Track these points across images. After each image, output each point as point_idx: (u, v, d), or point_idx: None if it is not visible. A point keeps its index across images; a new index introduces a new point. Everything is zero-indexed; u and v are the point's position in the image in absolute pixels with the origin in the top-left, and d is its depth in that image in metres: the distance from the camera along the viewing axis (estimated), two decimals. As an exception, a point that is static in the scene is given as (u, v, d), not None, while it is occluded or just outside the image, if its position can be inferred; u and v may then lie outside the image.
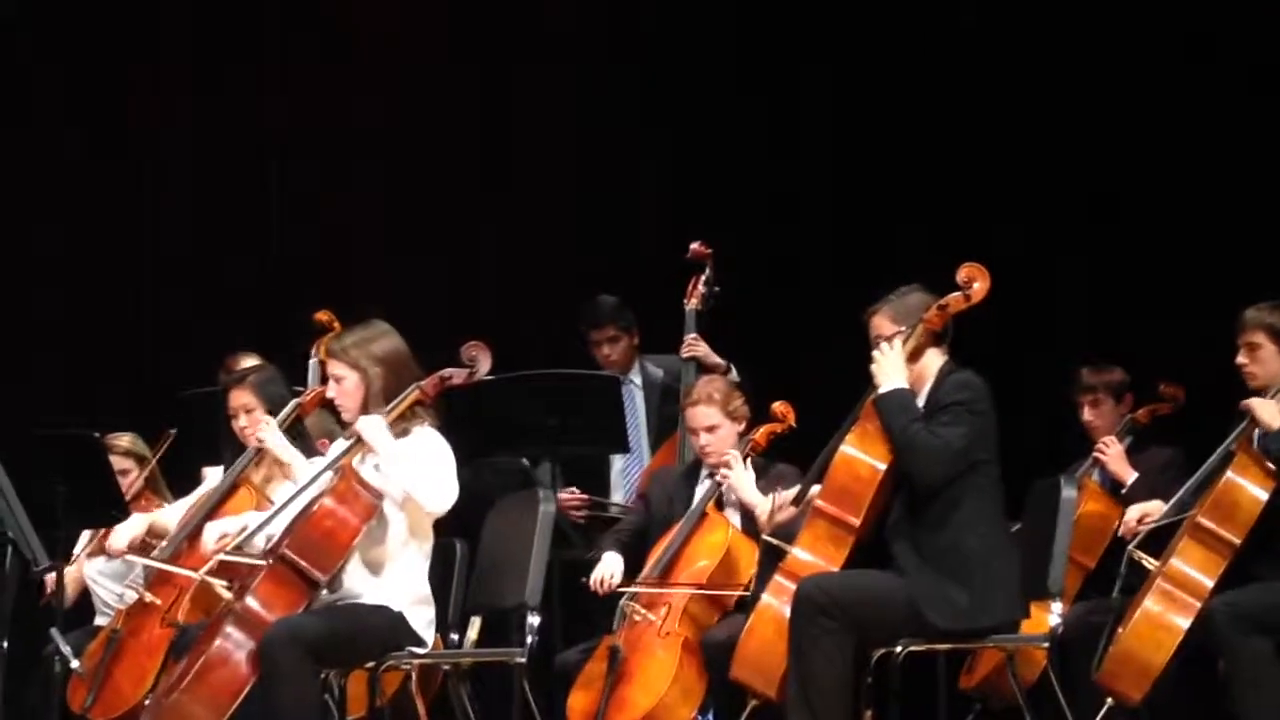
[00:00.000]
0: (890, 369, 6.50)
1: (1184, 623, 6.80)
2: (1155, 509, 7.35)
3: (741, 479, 7.21)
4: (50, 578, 7.43)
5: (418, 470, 6.46)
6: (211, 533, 6.61)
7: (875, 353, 6.53)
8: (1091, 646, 7.08)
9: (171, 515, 7.31)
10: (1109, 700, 7.18)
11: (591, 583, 7.33)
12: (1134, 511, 7.44)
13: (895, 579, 6.44)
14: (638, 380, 8.54)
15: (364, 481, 6.50)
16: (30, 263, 9.66)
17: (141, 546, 7.18)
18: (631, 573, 7.33)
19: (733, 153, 9.72)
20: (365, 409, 6.57)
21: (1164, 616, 6.83)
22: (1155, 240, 9.03)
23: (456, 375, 6.63)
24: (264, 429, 6.92)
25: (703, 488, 7.42)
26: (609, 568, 7.34)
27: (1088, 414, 8.06)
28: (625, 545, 7.43)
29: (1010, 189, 9.31)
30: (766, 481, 7.18)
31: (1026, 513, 7.13)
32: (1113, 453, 7.87)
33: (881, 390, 6.49)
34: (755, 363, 8.33)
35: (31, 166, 9.65)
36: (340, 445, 6.66)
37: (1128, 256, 9.12)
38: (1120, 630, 7.10)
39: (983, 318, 6.58)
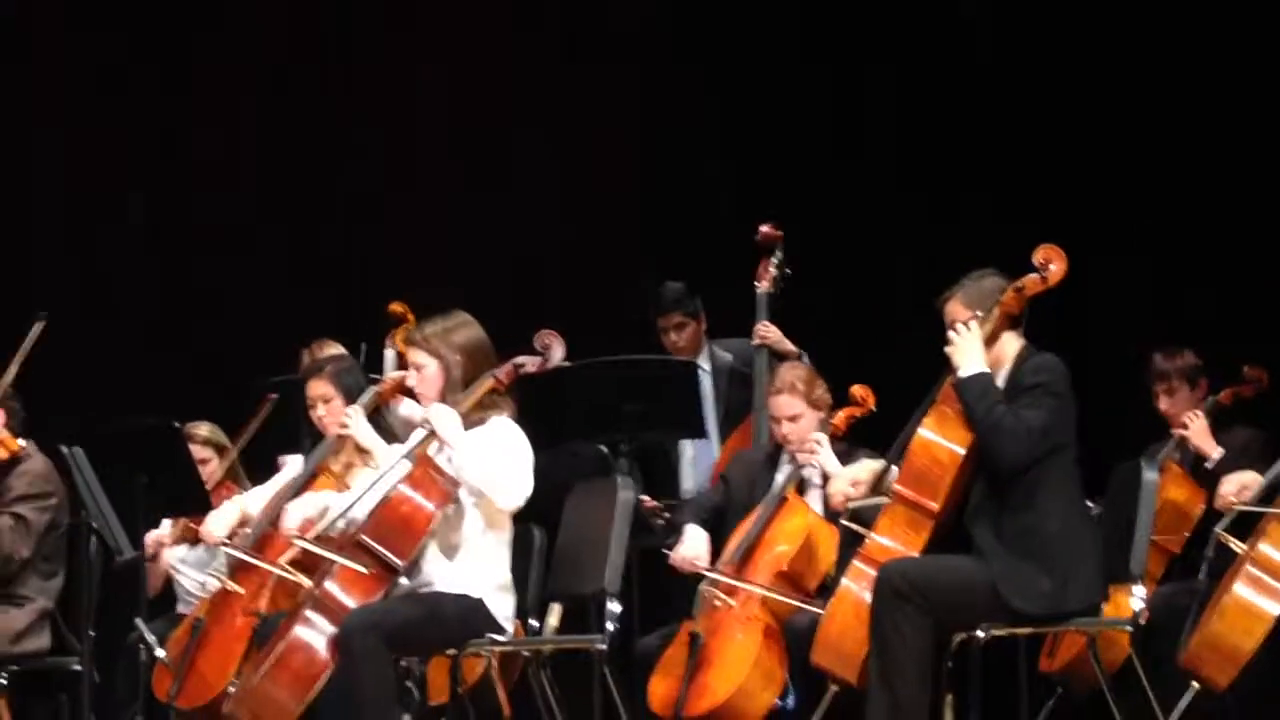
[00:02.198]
0: (969, 352, 6.46)
1: (1275, 609, 6.74)
2: (1253, 480, 7.27)
3: (830, 460, 7.20)
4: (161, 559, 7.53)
5: (490, 466, 6.47)
6: (294, 515, 6.65)
7: (952, 334, 6.49)
8: (1175, 631, 7.04)
9: (253, 500, 7.34)
10: (1194, 685, 7.14)
11: (674, 559, 7.30)
12: (1231, 483, 7.34)
13: (976, 563, 6.41)
14: (706, 365, 8.51)
15: (440, 469, 6.53)
16: (116, 248, 9.75)
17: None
18: (714, 555, 7.30)
19: (805, 132, 9.70)
20: (444, 397, 6.59)
21: (1254, 603, 6.79)
22: (1234, 217, 8.97)
23: (530, 363, 6.65)
24: (350, 416, 6.96)
25: (783, 473, 7.39)
26: (694, 548, 7.27)
27: (1163, 403, 7.98)
28: (705, 522, 7.40)
29: (1085, 171, 9.27)
30: (844, 460, 7.15)
31: (1108, 495, 7.08)
32: (1196, 427, 7.77)
33: (962, 374, 6.45)
34: (833, 346, 8.31)
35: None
36: (418, 434, 6.68)
37: (1204, 235, 9.07)
38: (1207, 614, 7.05)
39: (1058, 299, 6.54)
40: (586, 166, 9.83)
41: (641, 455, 8.12)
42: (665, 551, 7.33)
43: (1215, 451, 7.72)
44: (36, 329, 7.16)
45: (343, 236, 9.93)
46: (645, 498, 7.99)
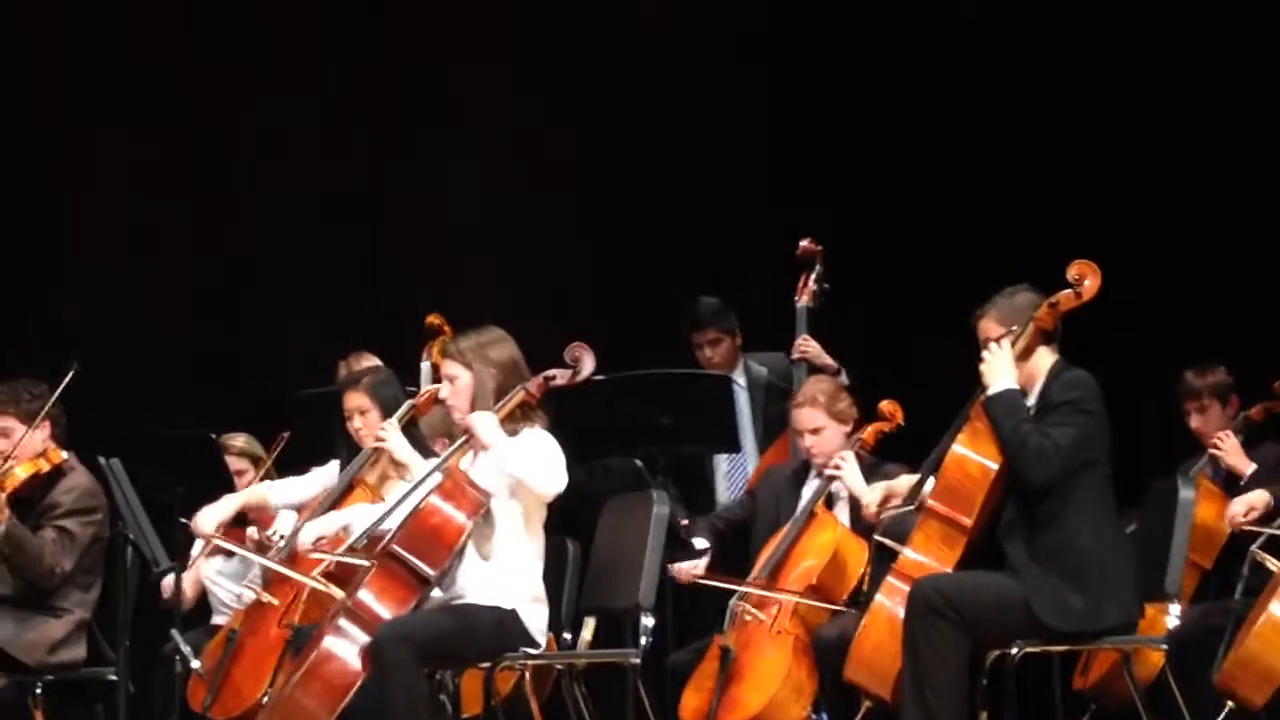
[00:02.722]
0: (1000, 370, 6.45)
1: (1312, 629, 6.72)
2: (1261, 500, 7.25)
3: (853, 478, 7.20)
4: (169, 579, 7.54)
5: (527, 458, 6.49)
6: (309, 533, 6.68)
7: (985, 354, 6.49)
8: (1209, 648, 7.01)
9: (279, 491, 7.33)
10: (1229, 704, 7.10)
11: (673, 568, 7.31)
12: (1240, 504, 7.34)
13: (1010, 580, 6.40)
14: (742, 380, 8.52)
15: (471, 481, 6.54)
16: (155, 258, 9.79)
17: (257, 545, 7.24)
18: (735, 568, 7.31)
19: (838, 147, 9.71)
20: (475, 410, 6.60)
21: (1291, 622, 6.75)
22: (1264, 232, 8.95)
23: (561, 376, 6.66)
24: (386, 430, 6.98)
25: (810, 488, 7.40)
26: (693, 559, 7.30)
27: (1194, 421, 7.96)
28: (720, 533, 7.42)
29: (1119, 188, 9.26)
30: (875, 480, 7.15)
31: (1143, 512, 7.06)
32: (1229, 445, 7.76)
33: (990, 392, 6.45)
34: (864, 361, 8.31)
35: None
36: (452, 447, 6.68)
37: (1235, 250, 9.05)
38: (1243, 633, 7.01)
39: (1091, 315, 6.53)
40: (622, 178, 9.85)
41: (677, 470, 8.13)
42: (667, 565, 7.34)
43: (1248, 468, 7.69)
44: (70, 374, 7.21)
45: (376, 245, 9.96)
46: (684, 520, 8.02)
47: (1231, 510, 7.34)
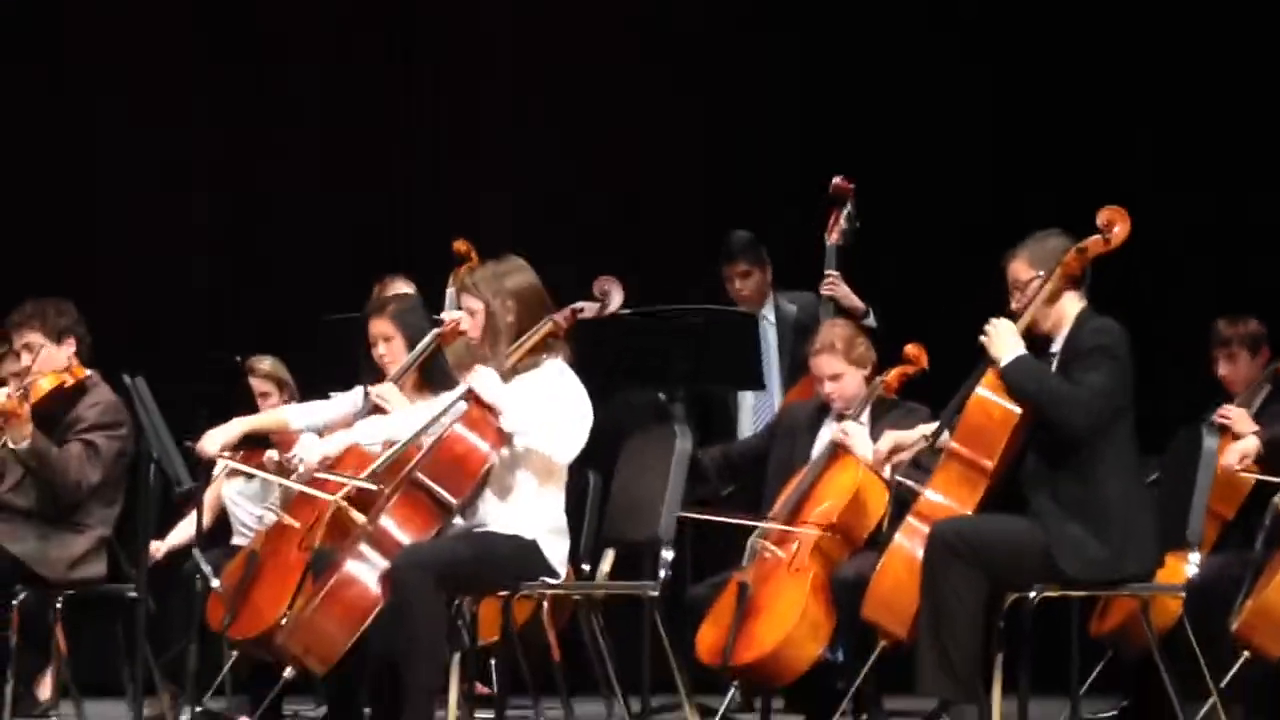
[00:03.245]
0: (1003, 341, 6.43)
1: (1330, 580, 6.71)
2: (1251, 447, 7.26)
3: (862, 447, 7.17)
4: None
5: (540, 425, 6.45)
6: (313, 452, 6.63)
7: (982, 335, 6.46)
8: (1227, 598, 7.00)
9: (297, 415, 7.32)
10: (1245, 653, 7.11)
11: None
12: (1233, 454, 7.31)
13: (1031, 525, 6.40)
14: (771, 317, 8.52)
15: (496, 411, 6.54)
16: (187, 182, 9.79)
17: (278, 469, 7.25)
18: (753, 503, 7.32)
19: (871, 89, 9.67)
20: (492, 342, 6.59)
21: (1309, 574, 6.75)
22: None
23: (588, 309, 6.65)
24: (385, 392, 6.96)
25: (828, 430, 7.38)
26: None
27: (1223, 368, 7.93)
28: (734, 465, 7.44)
29: (1153, 135, 9.22)
30: (897, 419, 7.14)
31: (1166, 461, 7.05)
32: (1235, 415, 7.72)
33: (1004, 363, 6.42)
34: (889, 303, 8.30)
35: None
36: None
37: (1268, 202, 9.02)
38: (1262, 583, 7.01)
39: (1118, 260, 6.51)
40: (655, 116, 9.82)
41: (700, 403, 8.14)
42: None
43: (1250, 426, 7.67)
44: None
45: (408, 176, 9.95)
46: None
47: (1225, 461, 7.31)
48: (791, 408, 7.77)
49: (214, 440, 7.06)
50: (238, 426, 7.12)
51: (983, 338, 6.48)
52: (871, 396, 7.32)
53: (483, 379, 6.51)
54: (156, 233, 9.62)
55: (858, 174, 8.34)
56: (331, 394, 7.41)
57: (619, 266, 6.84)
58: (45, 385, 7.33)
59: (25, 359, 7.39)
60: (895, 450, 6.74)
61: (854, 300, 8.26)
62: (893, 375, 7.39)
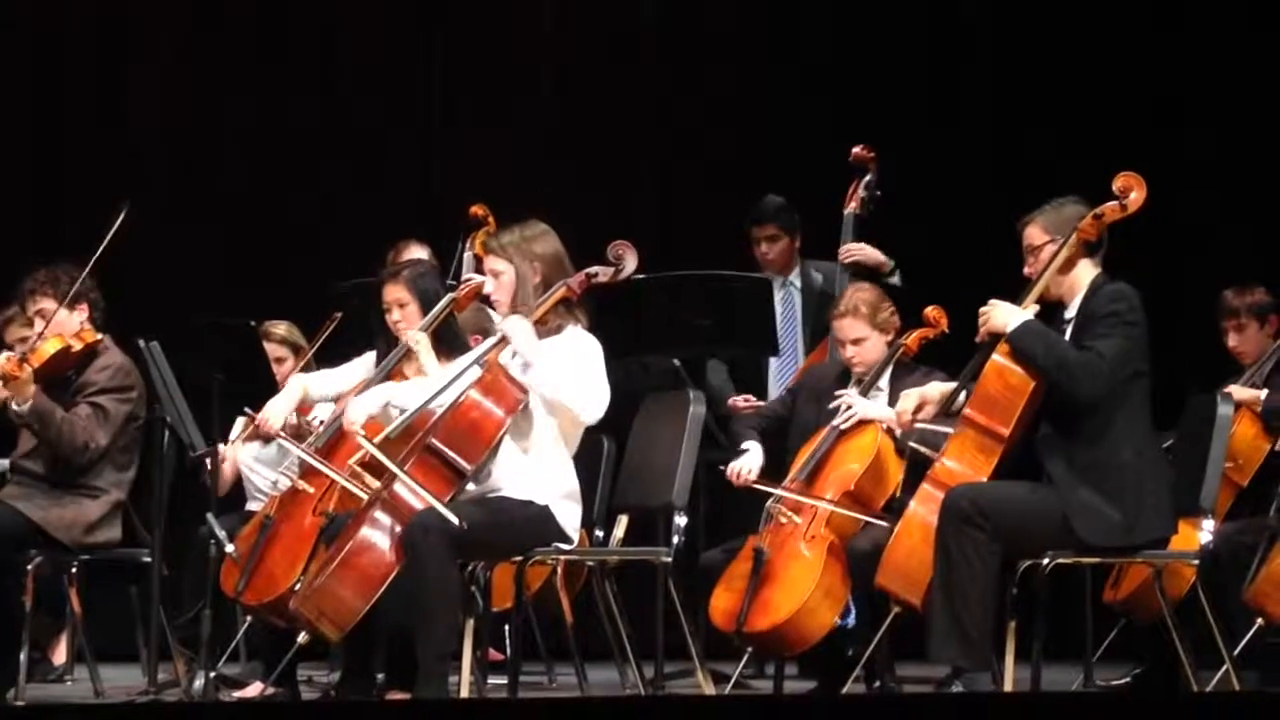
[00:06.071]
0: (1005, 313, 6.41)
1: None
2: (1252, 397, 7.35)
3: (867, 409, 7.15)
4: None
5: (569, 383, 6.46)
6: (357, 410, 6.65)
7: (980, 317, 6.44)
8: (1241, 565, 7.01)
9: (317, 383, 7.32)
10: (1259, 621, 7.11)
11: (729, 472, 7.30)
12: (1245, 394, 7.35)
13: (1046, 491, 6.39)
14: (798, 283, 8.52)
15: (511, 376, 6.53)
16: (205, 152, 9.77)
17: (295, 432, 7.25)
18: (773, 467, 7.31)
19: (895, 57, 9.65)
20: (517, 305, 6.60)
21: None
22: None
23: (603, 273, 6.64)
24: (416, 336, 6.97)
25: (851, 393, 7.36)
26: (749, 462, 7.27)
27: (1232, 339, 7.93)
28: (764, 433, 7.39)
29: (1168, 105, 9.20)
30: (917, 382, 7.10)
31: (1181, 427, 7.04)
32: (1241, 393, 7.72)
33: (1010, 331, 6.40)
34: (911, 267, 8.28)
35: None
36: (489, 341, 6.68)
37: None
38: (1275, 550, 7.02)
39: (1134, 227, 6.49)
40: (688, 85, 9.81)
41: (734, 362, 8.15)
42: (721, 468, 7.32)
43: (1260, 393, 7.68)
44: (121, 214, 7.18)
45: (425, 140, 9.94)
46: (743, 399, 8.01)
47: (1238, 397, 7.35)
48: (812, 370, 7.77)
49: (276, 414, 7.08)
50: (295, 390, 7.15)
51: (980, 322, 6.46)
52: (892, 360, 7.31)
53: (517, 328, 6.51)
54: (176, 200, 9.62)
55: (883, 141, 8.32)
56: (350, 359, 7.42)
57: (646, 233, 6.82)
58: (48, 349, 7.32)
59: (39, 325, 7.39)
60: (920, 406, 6.68)
61: (879, 256, 8.24)
62: (913, 338, 7.38)
